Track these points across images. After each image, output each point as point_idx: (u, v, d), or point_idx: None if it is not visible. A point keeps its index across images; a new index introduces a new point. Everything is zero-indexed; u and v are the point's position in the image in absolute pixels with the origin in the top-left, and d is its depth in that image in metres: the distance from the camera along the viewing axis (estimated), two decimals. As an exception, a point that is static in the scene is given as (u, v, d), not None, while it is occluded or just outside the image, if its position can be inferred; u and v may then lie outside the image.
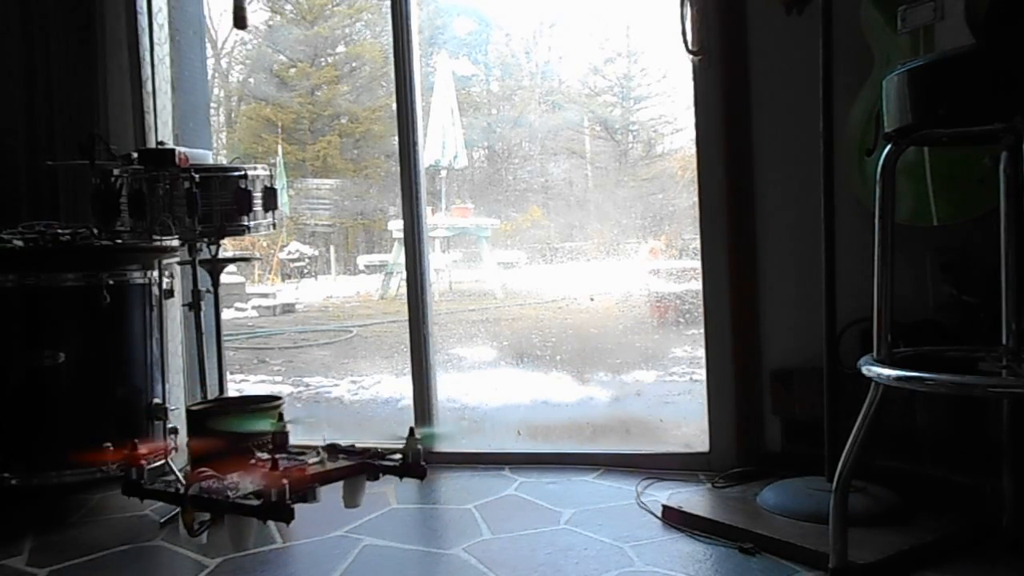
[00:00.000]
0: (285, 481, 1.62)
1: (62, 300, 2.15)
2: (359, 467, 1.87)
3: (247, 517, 1.64)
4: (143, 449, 1.77)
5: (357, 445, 1.93)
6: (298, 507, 2.21)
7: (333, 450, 1.89)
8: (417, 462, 1.86)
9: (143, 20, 2.64)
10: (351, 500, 1.89)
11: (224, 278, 2.47)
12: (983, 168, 1.64)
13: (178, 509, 2.16)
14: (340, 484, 1.87)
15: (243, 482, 1.70)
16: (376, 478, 1.89)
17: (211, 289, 2.42)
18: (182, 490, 1.67)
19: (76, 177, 2.52)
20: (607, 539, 1.86)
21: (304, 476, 1.76)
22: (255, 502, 1.62)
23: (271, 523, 2.07)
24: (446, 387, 2.71)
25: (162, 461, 2.30)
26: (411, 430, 1.87)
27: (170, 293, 2.39)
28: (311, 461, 1.84)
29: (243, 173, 2.27)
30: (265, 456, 1.72)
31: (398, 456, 1.87)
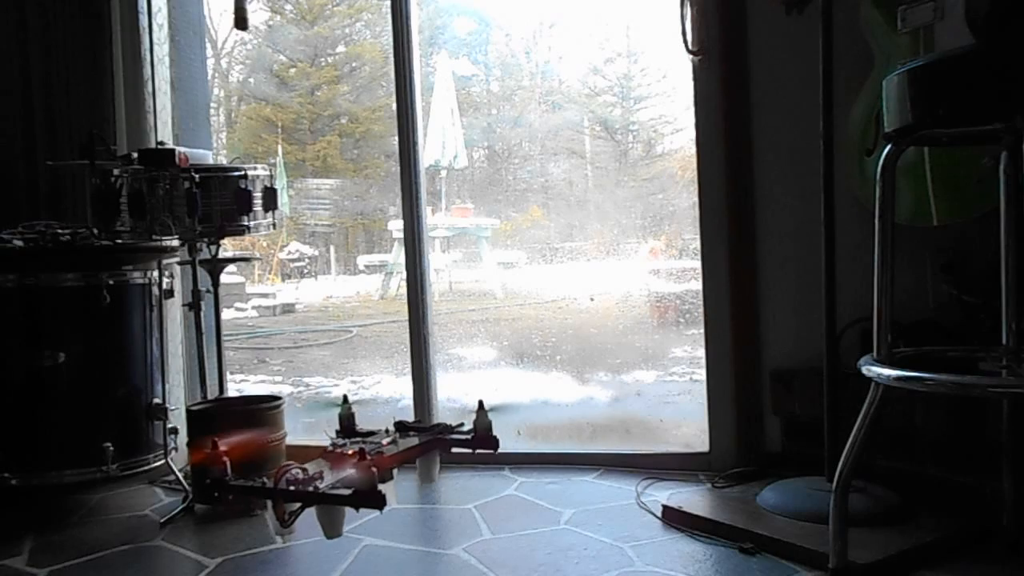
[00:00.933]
0: (374, 470, 1.62)
1: (62, 300, 2.15)
2: (433, 444, 1.87)
3: (338, 507, 1.64)
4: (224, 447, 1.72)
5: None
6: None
7: (402, 428, 1.88)
8: (488, 433, 1.86)
9: (143, 20, 2.64)
10: (427, 476, 1.89)
11: (224, 278, 2.47)
12: (983, 168, 1.65)
13: (179, 509, 2.18)
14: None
15: (325, 470, 1.71)
16: (449, 452, 1.89)
17: (211, 289, 2.42)
18: (270, 484, 1.67)
19: (76, 177, 2.52)
20: (607, 539, 1.86)
21: (385, 460, 1.75)
22: (345, 491, 1.62)
23: (271, 523, 2.07)
24: (446, 387, 2.71)
25: (162, 461, 2.31)
26: (480, 403, 1.87)
27: (170, 293, 2.39)
28: (385, 442, 1.82)
29: (243, 173, 2.27)
30: (341, 442, 1.71)
31: (468, 429, 1.87)
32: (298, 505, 1.71)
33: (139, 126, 2.62)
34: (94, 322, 2.18)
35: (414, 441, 1.85)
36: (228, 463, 1.71)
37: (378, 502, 1.60)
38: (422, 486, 1.85)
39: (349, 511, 1.62)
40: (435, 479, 1.88)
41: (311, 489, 1.66)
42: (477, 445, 1.86)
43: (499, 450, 2.51)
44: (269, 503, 1.68)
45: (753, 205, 2.22)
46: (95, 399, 2.19)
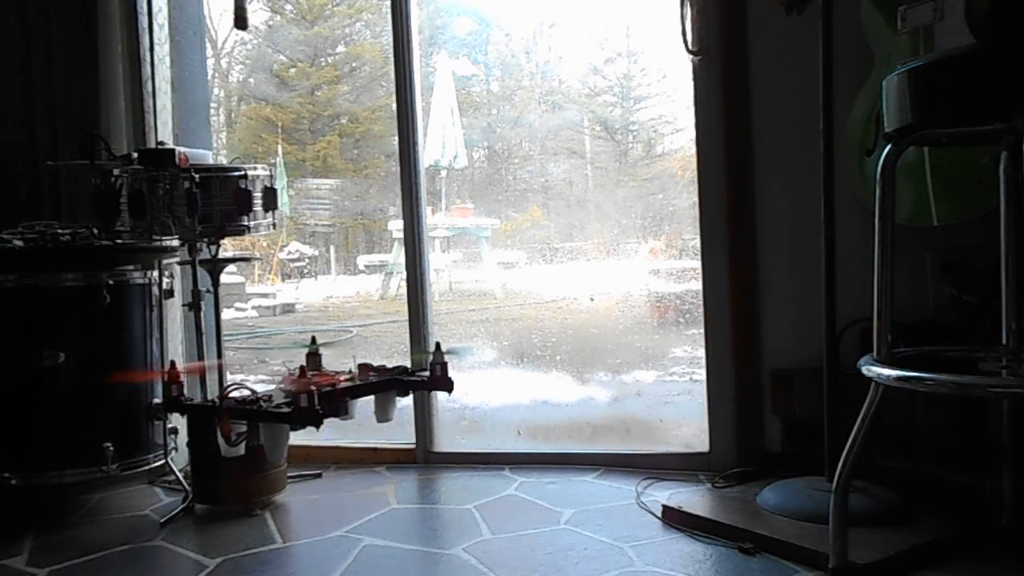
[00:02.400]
0: (313, 387, 1.69)
1: (62, 300, 2.15)
2: (389, 382, 1.95)
3: (280, 425, 1.72)
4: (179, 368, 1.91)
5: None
6: (298, 506, 2.22)
7: (364, 369, 1.97)
8: (445, 375, 1.94)
9: (143, 20, 2.64)
10: (383, 415, 1.96)
11: (224, 278, 2.47)
12: (983, 168, 1.65)
13: (179, 509, 2.18)
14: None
15: (276, 394, 1.80)
16: (406, 393, 1.98)
17: (211, 289, 2.42)
18: (218, 403, 1.78)
19: (76, 177, 2.52)
20: (607, 539, 1.86)
21: (335, 387, 1.83)
22: (287, 410, 1.69)
23: (271, 523, 2.08)
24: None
25: (162, 461, 2.31)
26: (437, 344, 1.96)
27: (170, 293, 2.39)
28: (342, 378, 1.90)
29: (243, 173, 2.27)
30: (295, 369, 1.79)
31: (426, 372, 1.95)
32: (245, 428, 1.81)
33: (139, 126, 2.62)
34: (94, 322, 2.18)
35: (374, 380, 1.95)
36: (184, 384, 1.88)
37: (314, 419, 1.68)
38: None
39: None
40: (391, 418, 1.99)
41: (255, 408, 1.75)
42: (432, 386, 1.96)
43: (499, 450, 2.55)
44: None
45: (753, 205, 2.23)
46: (95, 399, 2.19)
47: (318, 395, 1.71)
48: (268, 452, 1.77)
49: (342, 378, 1.90)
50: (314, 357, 2.00)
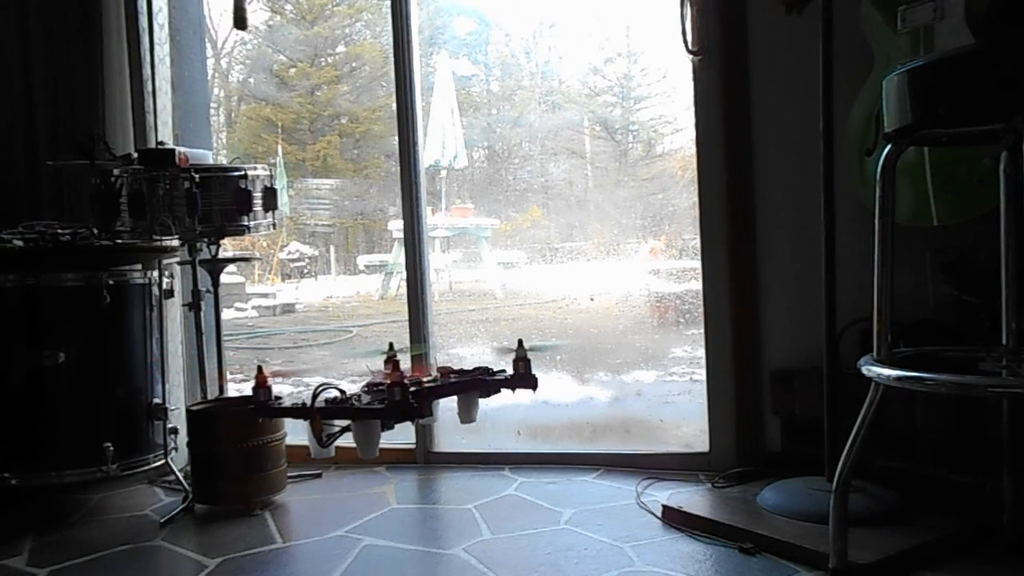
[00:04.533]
0: (407, 381, 1.70)
1: (62, 300, 2.15)
2: (472, 383, 1.91)
3: (373, 422, 1.70)
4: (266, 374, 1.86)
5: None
6: (298, 506, 2.22)
7: (446, 372, 1.94)
8: (528, 372, 1.89)
9: (143, 20, 2.64)
10: (466, 416, 1.93)
11: (224, 278, 2.47)
12: (983, 168, 1.64)
13: (179, 509, 2.18)
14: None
15: (362, 395, 1.78)
16: (489, 394, 1.93)
17: (211, 289, 2.42)
18: (308, 403, 1.76)
19: (76, 177, 2.52)
20: (607, 539, 1.86)
21: (423, 384, 1.81)
22: (380, 407, 1.69)
23: (271, 523, 2.08)
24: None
25: (162, 461, 2.31)
26: (520, 342, 1.91)
27: (170, 293, 2.39)
28: (426, 380, 1.87)
29: (243, 173, 2.27)
30: (384, 371, 1.78)
31: (509, 371, 1.91)
32: (337, 428, 1.78)
33: (139, 126, 2.62)
34: (94, 322, 2.18)
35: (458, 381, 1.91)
36: (271, 389, 1.83)
37: (411, 414, 1.67)
38: (460, 426, 1.95)
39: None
40: (474, 419, 1.94)
41: (348, 407, 1.73)
42: (516, 384, 1.89)
43: (499, 450, 2.55)
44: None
45: (753, 205, 2.23)
46: (95, 399, 2.19)
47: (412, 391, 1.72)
48: (360, 450, 1.77)
49: (426, 380, 1.88)
50: (392, 363, 1.96)
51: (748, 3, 2.19)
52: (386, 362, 1.95)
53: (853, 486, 1.63)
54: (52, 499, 2.33)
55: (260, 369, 1.87)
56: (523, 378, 1.89)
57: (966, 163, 1.73)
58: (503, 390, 1.92)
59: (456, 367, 1.99)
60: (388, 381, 1.70)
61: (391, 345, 1.96)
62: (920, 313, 1.95)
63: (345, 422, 1.76)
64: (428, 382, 1.86)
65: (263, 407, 1.82)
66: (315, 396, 1.77)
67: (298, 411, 1.79)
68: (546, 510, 2.08)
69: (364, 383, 1.79)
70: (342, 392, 1.80)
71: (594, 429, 2.86)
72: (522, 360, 1.90)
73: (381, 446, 2.61)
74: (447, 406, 1.92)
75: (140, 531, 2.08)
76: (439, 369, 1.95)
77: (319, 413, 1.74)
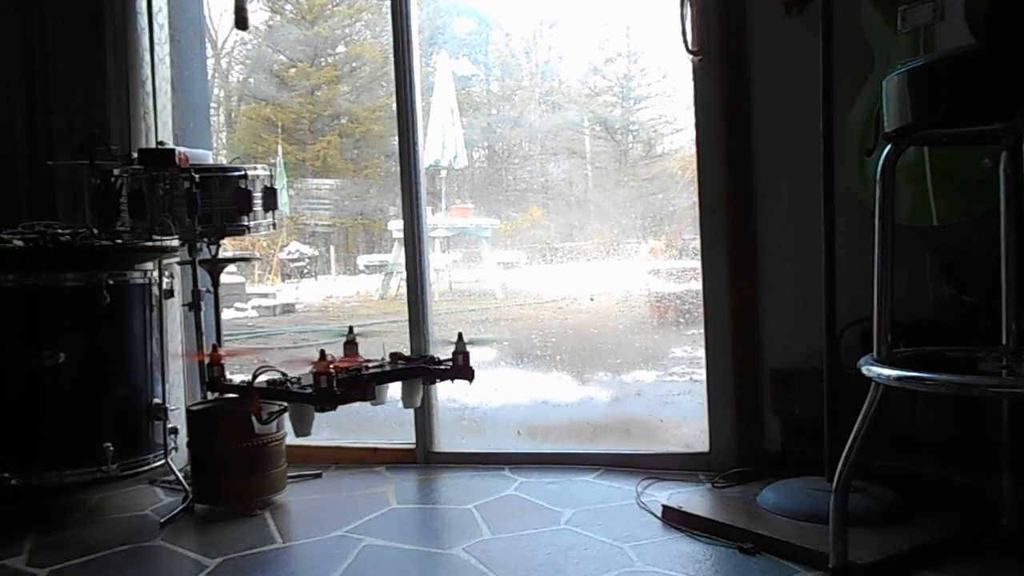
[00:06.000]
0: (332, 369, 1.83)
1: (62, 300, 2.15)
2: (415, 370, 2.05)
3: (306, 405, 1.87)
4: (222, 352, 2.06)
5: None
6: (298, 506, 2.22)
7: (394, 357, 2.09)
8: (466, 364, 2.02)
9: (143, 20, 2.64)
10: (408, 401, 2.08)
11: (224, 278, 2.47)
12: (983, 168, 1.64)
13: (179, 509, 2.18)
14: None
15: (305, 377, 1.93)
16: (432, 382, 2.09)
17: (211, 289, 2.42)
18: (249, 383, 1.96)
19: (76, 177, 2.52)
20: (607, 539, 1.86)
21: (361, 372, 1.96)
22: (309, 391, 1.84)
23: (271, 523, 2.08)
24: (446, 387, 2.71)
25: (162, 462, 2.31)
26: (459, 335, 2.04)
27: (170, 293, 2.39)
28: (371, 364, 2.02)
29: (243, 173, 2.27)
30: (323, 356, 1.91)
31: (450, 361, 2.05)
32: (277, 408, 1.99)
33: (139, 126, 2.62)
34: (94, 322, 2.18)
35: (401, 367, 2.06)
36: (224, 367, 2.03)
37: (331, 400, 1.82)
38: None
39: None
40: (416, 404, 2.12)
41: (282, 389, 1.91)
42: (455, 375, 2.03)
43: (499, 450, 2.55)
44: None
45: (753, 205, 2.23)
46: (95, 399, 2.19)
47: (337, 378, 1.85)
48: (294, 429, 1.94)
49: (371, 365, 2.03)
50: (351, 345, 2.12)
51: (748, 3, 2.19)
52: (346, 344, 2.10)
53: (853, 486, 1.63)
54: (52, 499, 2.33)
55: (215, 347, 2.04)
56: (461, 370, 2.02)
57: (966, 163, 1.73)
58: (443, 380, 2.06)
59: (407, 354, 2.13)
60: (314, 370, 1.84)
61: (350, 328, 2.11)
62: (920, 313, 1.95)
63: (283, 403, 1.95)
64: (373, 367, 1.99)
65: (214, 382, 2.01)
66: (255, 377, 1.94)
67: (240, 389, 1.97)
68: (546, 510, 2.08)
69: (310, 368, 1.90)
70: (284, 375, 1.95)
71: (594, 429, 2.86)
72: (461, 353, 2.03)
73: (381, 446, 2.64)
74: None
75: (140, 531, 2.08)
76: (390, 355, 2.08)
77: (258, 393, 1.93)
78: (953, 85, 1.30)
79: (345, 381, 1.88)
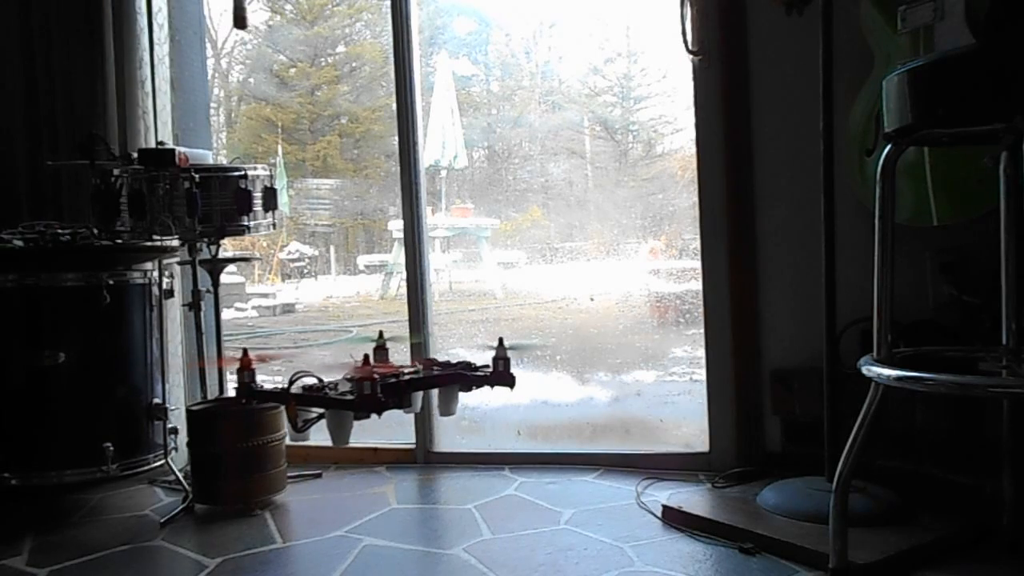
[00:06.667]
0: (376, 376, 1.73)
1: (62, 300, 2.15)
2: (453, 376, 1.95)
3: (346, 412, 1.76)
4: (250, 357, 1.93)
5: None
6: (298, 506, 2.22)
7: (429, 364, 1.98)
8: (507, 370, 1.92)
9: (143, 20, 2.64)
10: (445, 408, 1.97)
11: (224, 278, 2.47)
12: (983, 168, 1.64)
13: (179, 509, 2.18)
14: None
15: (342, 383, 1.82)
16: (469, 388, 1.96)
17: (211, 289, 2.42)
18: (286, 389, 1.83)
19: (76, 177, 2.52)
20: (607, 539, 1.86)
21: (399, 378, 1.85)
22: (351, 398, 1.73)
23: (271, 523, 2.08)
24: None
25: (162, 462, 2.31)
26: (500, 340, 1.94)
27: (170, 293, 2.39)
28: (407, 371, 1.91)
29: (243, 173, 2.27)
30: (360, 361, 1.82)
31: (489, 367, 1.94)
32: (314, 415, 1.85)
33: (139, 126, 2.62)
34: (94, 322, 2.18)
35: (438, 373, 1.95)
36: (255, 372, 1.89)
37: (375, 406, 1.72)
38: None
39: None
40: (453, 412, 1.99)
41: (321, 395, 1.78)
42: (495, 381, 1.92)
43: (499, 450, 2.55)
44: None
45: (753, 205, 2.23)
46: (95, 399, 2.19)
47: (381, 384, 1.76)
48: (332, 438, 1.82)
49: (407, 371, 1.93)
50: (381, 351, 2.01)
51: (748, 3, 2.19)
52: (376, 350, 1.99)
53: (853, 486, 1.63)
54: (52, 499, 2.33)
55: (244, 352, 1.92)
56: (501, 376, 1.92)
57: (966, 163, 1.73)
58: (482, 386, 1.96)
59: (442, 360, 2.03)
60: (356, 375, 1.75)
61: (380, 334, 1.99)
62: (920, 313, 1.95)
63: (320, 409, 1.82)
64: (409, 374, 1.90)
65: (245, 388, 1.89)
66: (291, 382, 1.82)
67: (276, 395, 1.85)
68: (546, 510, 2.08)
69: (345, 373, 1.83)
70: (320, 380, 1.85)
71: (594, 429, 2.86)
72: (501, 359, 1.93)
73: (381, 446, 2.64)
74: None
75: (140, 531, 2.08)
76: (423, 361, 1.99)
77: (295, 399, 1.80)
78: (953, 85, 1.30)
79: (388, 388, 1.79)
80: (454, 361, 2.01)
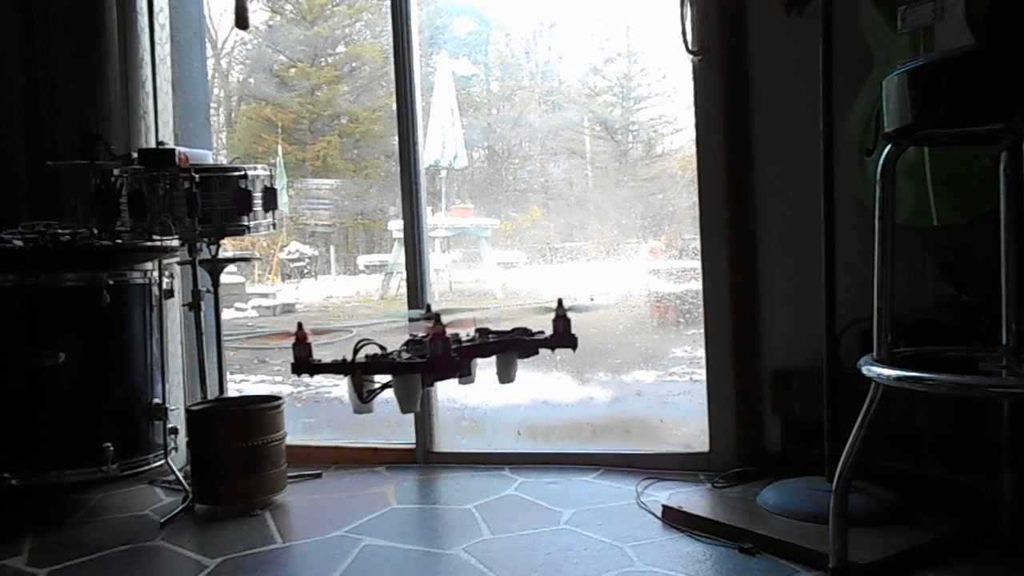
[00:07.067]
0: (448, 335, 1.65)
1: (62, 300, 2.15)
2: (513, 343, 1.85)
3: (414, 377, 1.67)
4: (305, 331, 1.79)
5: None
6: (298, 506, 2.22)
7: (483, 332, 1.89)
8: (568, 331, 1.83)
9: (143, 20, 2.65)
10: (505, 376, 1.87)
11: (224, 278, 2.47)
12: (983, 168, 1.64)
13: (179, 509, 2.18)
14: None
15: (403, 352, 1.74)
16: (528, 354, 1.86)
17: (211, 289, 2.42)
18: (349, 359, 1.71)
19: (76, 177, 2.52)
20: (607, 539, 1.86)
21: (461, 341, 1.76)
22: (423, 360, 1.64)
23: (271, 523, 2.08)
24: (446, 387, 2.71)
25: (162, 461, 2.31)
26: (559, 300, 1.85)
27: (170, 293, 2.39)
28: (465, 339, 1.82)
29: (243, 173, 2.27)
30: (438, 319, 1.72)
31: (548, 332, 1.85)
32: (377, 385, 1.74)
33: (139, 126, 2.62)
34: (94, 322, 2.18)
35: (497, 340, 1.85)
36: (311, 346, 1.75)
37: (453, 368, 1.64)
38: (499, 386, 1.86)
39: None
40: (513, 379, 1.87)
41: (389, 361, 1.69)
42: (555, 344, 1.83)
43: (499, 450, 2.55)
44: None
45: (753, 205, 2.23)
46: (95, 399, 2.19)
47: (457, 345, 1.67)
48: (401, 406, 1.72)
49: (464, 338, 1.83)
50: (436, 317, 1.86)
51: (748, 3, 2.19)
52: (427, 319, 1.87)
53: (853, 486, 1.63)
54: (52, 499, 2.33)
55: (300, 326, 1.81)
56: (563, 337, 1.82)
57: (966, 163, 1.73)
58: (544, 349, 1.84)
59: (495, 328, 1.91)
60: (430, 335, 1.65)
61: (428, 307, 1.93)
62: (920, 313, 1.95)
63: (385, 378, 1.72)
64: (467, 341, 1.81)
65: (303, 363, 1.77)
66: (356, 351, 1.73)
67: (339, 367, 1.74)
68: (546, 510, 2.08)
69: (404, 341, 1.74)
70: (382, 348, 1.75)
71: (594, 429, 2.86)
72: (561, 319, 1.83)
73: (381, 446, 2.64)
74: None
75: (140, 531, 2.08)
76: (476, 329, 1.88)
77: (360, 368, 1.70)
78: (953, 85, 1.30)
79: (462, 350, 1.69)
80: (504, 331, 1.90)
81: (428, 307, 1.91)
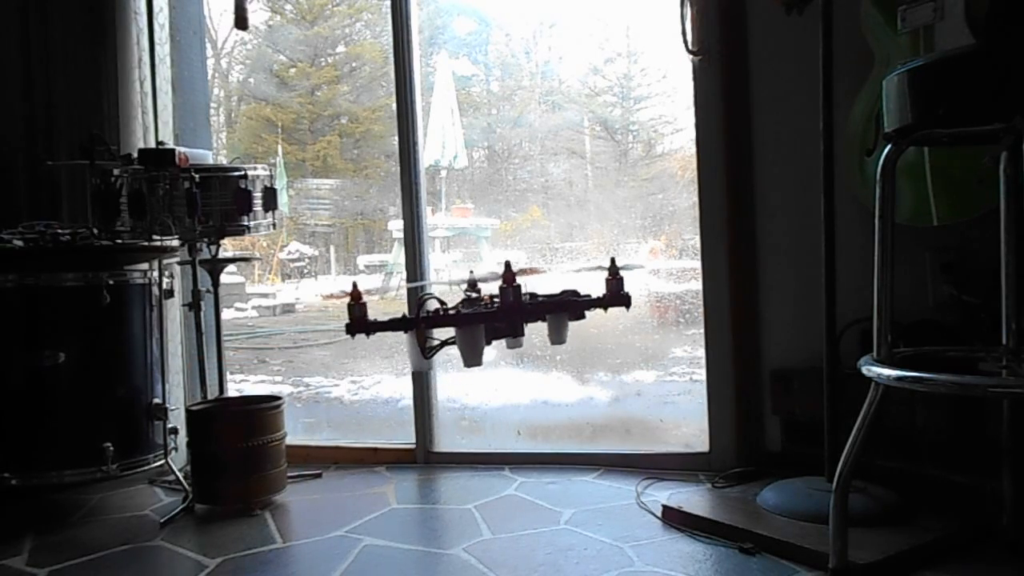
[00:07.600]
0: (516, 284, 1.64)
1: (62, 300, 2.15)
2: (566, 303, 1.84)
3: (478, 329, 1.67)
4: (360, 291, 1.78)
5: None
6: (298, 506, 2.22)
7: (532, 296, 1.90)
8: (621, 290, 1.82)
9: (143, 20, 2.65)
10: (556, 336, 1.86)
11: (224, 278, 2.48)
12: (983, 168, 1.64)
13: (179, 509, 2.18)
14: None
15: (461, 309, 1.73)
16: (579, 316, 1.84)
17: (211, 289, 2.42)
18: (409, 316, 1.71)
19: (76, 177, 2.52)
20: (607, 539, 1.86)
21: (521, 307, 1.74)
22: (490, 310, 1.63)
23: (271, 523, 2.08)
24: (446, 387, 2.71)
25: (162, 462, 2.31)
26: (612, 259, 1.84)
27: (170, 293, 2.39)
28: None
29: (243, 173, 2.27)
30: (474, 295, 1.71)
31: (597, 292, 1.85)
32: (438, 341, 1.75)
33: (139, 126, 2.62)
34: (94, 322, 2.18)
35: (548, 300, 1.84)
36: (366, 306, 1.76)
37: (519, 315, 1.63)
38: (550, 346, 1.85)
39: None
40: (564, 340, 1.87)
41: (455, 314, 1.68)
42: (608, 303, 1.82)
43: (499, 450, 2.55)
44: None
45: (753, 205, 2.23)
46: (95, 399, 2.19)
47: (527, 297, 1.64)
48: (465, 359, 1.71)
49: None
50: (473, 287, 1.89)
51: (748, 3, 2.19)
52: (471, 285, 1.88)
53: (853, 486, 1.63)
54: (52, 499, 2.33)
55: (354, 285, 1.80)
56: (616, 298, 1.80)
57: (966, 163, 1.73)
58: (596, 309, 1.84)
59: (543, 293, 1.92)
60: (499, 284, 1.65)
61: (471, 273, 1.92)
62: (920, 313, 1.95)
63: (448, 333, 1.71)
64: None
65: (359, 323, 1.74)
66: (420, 306, 1.73)
67: (399, 323, 1.72)
68: (546, 510, 2.08)
69: (459, 300, 1.72)
70: (442, 303, 1.74)
71: (594, 429, 2.86)
72: (614, 278, 1.80)
73: (381, 446, 2.64)
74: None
75: (140, 531, 2.08)
76: (526, 293, 1.88)
77: (423, 322, 1.69)
78: (953, 85, 1.30)
79: (532, 304, 1.66)
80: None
81: (471, 272, 1.90)
